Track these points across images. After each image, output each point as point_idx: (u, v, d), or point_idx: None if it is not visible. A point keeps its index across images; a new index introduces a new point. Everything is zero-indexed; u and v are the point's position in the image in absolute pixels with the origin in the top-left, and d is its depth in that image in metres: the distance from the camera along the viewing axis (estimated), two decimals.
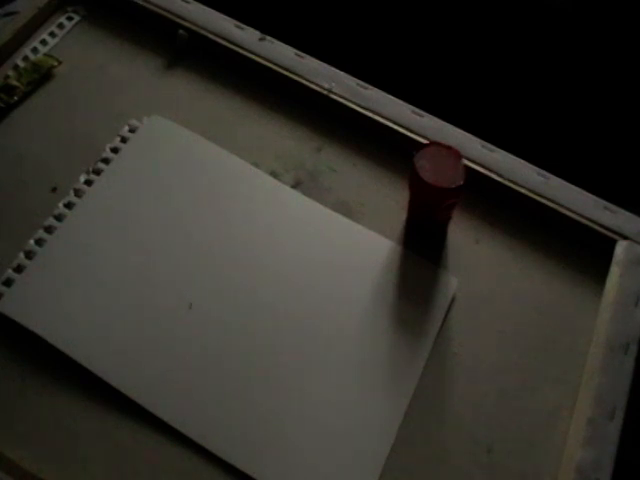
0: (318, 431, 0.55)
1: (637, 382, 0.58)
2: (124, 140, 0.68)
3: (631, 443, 0.59)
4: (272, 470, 0.53)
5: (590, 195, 0.66)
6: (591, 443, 0.54)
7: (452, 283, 0.62)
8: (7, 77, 0.70)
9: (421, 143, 0.65)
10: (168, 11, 0.74)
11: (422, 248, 0.64)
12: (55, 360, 0.56)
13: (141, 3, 0.74)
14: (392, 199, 0.67)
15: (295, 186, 0.67)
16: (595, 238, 0.64)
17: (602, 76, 1.17)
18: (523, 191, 0.65)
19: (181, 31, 0.73)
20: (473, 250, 0.65)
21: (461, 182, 0.58)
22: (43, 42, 0.73)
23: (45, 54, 0.72)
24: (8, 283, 0.59)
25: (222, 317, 0.59)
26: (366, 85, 0.71)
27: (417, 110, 0.69)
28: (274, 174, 0.68)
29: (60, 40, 0.74)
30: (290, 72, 0.71)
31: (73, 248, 0.62)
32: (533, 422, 0.57)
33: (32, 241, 0.61)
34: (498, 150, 0.68)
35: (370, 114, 0.69)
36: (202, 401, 0.56)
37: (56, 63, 0.71)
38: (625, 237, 0.64)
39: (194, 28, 0.73)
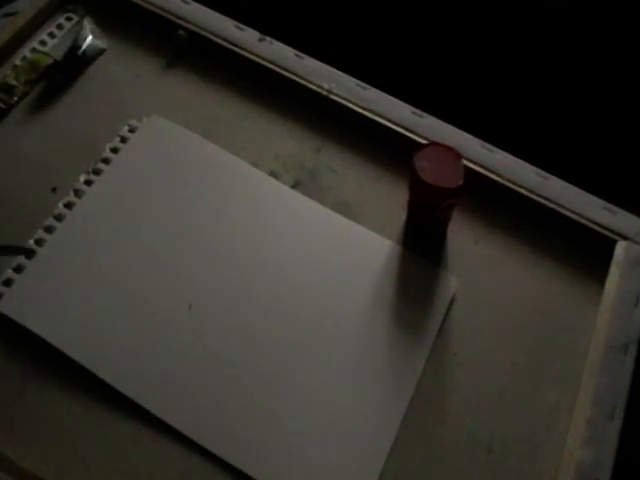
0: (318, 431, 0.55)
1: (637, 382, 0.58)
2: (124, 140, 0.68)
3: (631, 443, 0.59)
4: (272, 470, 0.53)
5: (590, 195, 0.66)
6: (591, 443, 0.54)
7: (452, 283, 0.62)
8: (5, 76, 0.70)
9: (421, 143, 0.65)
10: (168, 11, 0.74)
11: (422, 248, 0.64)
12: (55, 360, 0.56)
13: (141, 3, 0.74)
14: (392, 199, 0.67)
15: (295, 186, 0.67)
16: (595, 238, 0.64)
17: (601, 77, 1.17)
18: (523, 191, 0.65)
19: (181, 31, 0.73)
20: (473, 250, 0.65)
21: (461, 182, 0.58)
22: (42, 42, 0.73)
23: (42, 52, 0.72)
24: (8, 283, 0.59)
25: (221, 318, 0.59)
26: (366, 85, 0.71)
27: (417, 110, 0.70)
28: (274, 174, 0.68)
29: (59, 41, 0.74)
30: (290, 72, 0.71)
31: (73, 248, 0.62)
32: (533, 422, 0.57)
33: (32, 241, 0.61)
34: (498, 150, 0.68)
35: (370, 114, 0.69)
36: (202, 401, 0.56)
37: (52, 61, 0.71)
38: (625, 237, 0.64)
39: (194, 28, 0.73)
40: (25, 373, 0.56)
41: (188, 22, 0.73)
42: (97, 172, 0.66)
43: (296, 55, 0.72)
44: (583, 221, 0.65)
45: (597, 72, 1.18)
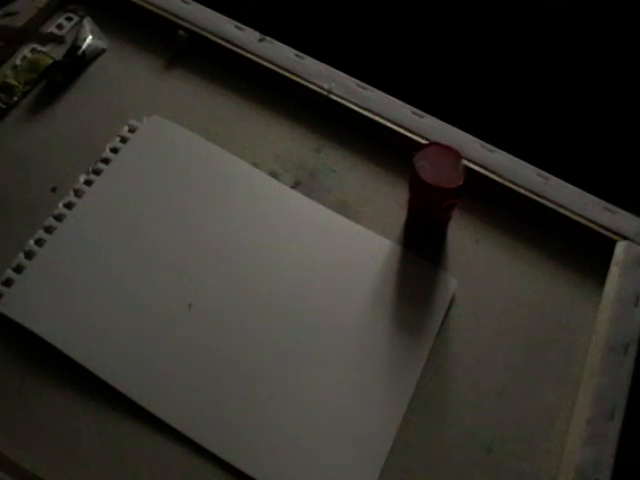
0: (318, 431, 0.55)
1: (637, 382, 0.58)
2: (124, 140, 0.68)
3: (631, 443, 0.59)
4: (272, 470, 0.53)
5: (590, 195, 0.66)
6: (591, 443, 0.54)
7: (452, 283, 0.62)
8: (5, 76, 0.70)
9: (421, 143, 0.65)
10: (168, 11, 0.74)
11: (422, 248, 0.64)
12: (55, 360, 0.56)
13: (141, 3, 0.74)
14: (392, 199, 0.67)
15: (295, 186, 0.67)
16: (595, 238, 0.64)
17: (602, 76, 1.18)
18: (523, 191, 0.65)
19: (181, 31, 0.73)
20: (473, 250, 0.65)
21: (461, 182, 0.58)
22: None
23: (42, 52, 0.72)
24: (8, 283, 0.59)
25: (221, 318, 0.59)
26: (366, 86, 0.71)
27: (417, 111, 0.70)
28: (274, 174, 0.68)
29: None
30: (290, 72, 0.71)
31: (73, 248, 0.62)
32: (533, 422, 0.57)
33: (32, 241, 0.62)
34: (498, 150, 0.68)
35: (370, 114, 0.69)
36: (202, 401, 0.56)
37: (52, 61, 0.71)
38: (625, 237, 0.64)
39: (194, 28, 0.73)
40: (25, 373, 0.56)
41: (188, 22, 0.73)
42: (97, 172, 0.66)
43: (296, 55, 0.72)
44: (583, 221, 0.64)
45: (597, 72, 1.18)
